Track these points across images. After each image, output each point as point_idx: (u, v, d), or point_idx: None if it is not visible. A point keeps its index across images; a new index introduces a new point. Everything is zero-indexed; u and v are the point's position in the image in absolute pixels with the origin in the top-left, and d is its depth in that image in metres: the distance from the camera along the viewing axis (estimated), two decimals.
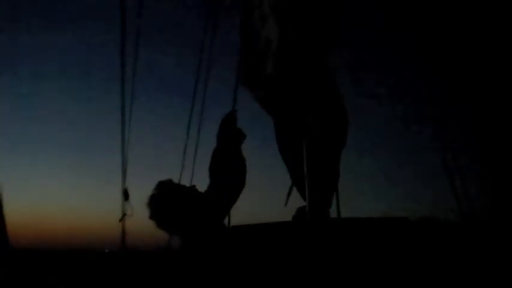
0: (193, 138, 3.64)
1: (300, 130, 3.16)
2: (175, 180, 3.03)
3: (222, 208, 2.99)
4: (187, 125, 3.62)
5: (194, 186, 3.01)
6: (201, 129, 3.47)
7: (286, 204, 3.25)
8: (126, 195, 3.22)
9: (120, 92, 3.30)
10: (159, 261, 3.07)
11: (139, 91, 3.37)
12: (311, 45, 3.09)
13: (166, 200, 2.86)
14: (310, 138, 3.13)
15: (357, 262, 2.85)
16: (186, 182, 3.35)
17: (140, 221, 3.28)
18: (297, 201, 3.31)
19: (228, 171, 2.99)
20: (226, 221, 3.14)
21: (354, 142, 3.24)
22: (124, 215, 3.20)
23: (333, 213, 3.14)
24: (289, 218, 3.26)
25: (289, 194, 3.26)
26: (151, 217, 2.86)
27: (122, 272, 3.56)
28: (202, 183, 3.15)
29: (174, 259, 3.03)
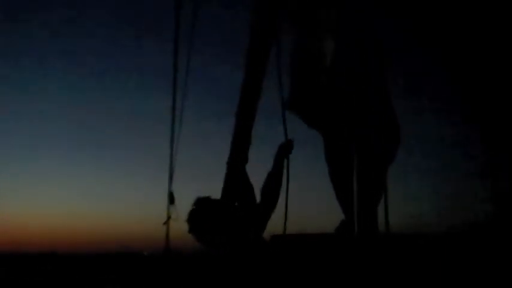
0: None
1: (351, 144, 3.20)
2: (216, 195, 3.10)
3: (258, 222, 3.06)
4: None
5: (234, 202, 3.07)
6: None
7: None
8: (171, 198, 3.23)
9: (172, 93, 3.32)
10: (201, 266, 3.08)
11: (189, 91, 3.38)
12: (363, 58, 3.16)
13: (204, 216, 2.91)
14: (360, 152, 3.17)
15: (403, 276, 2.87)
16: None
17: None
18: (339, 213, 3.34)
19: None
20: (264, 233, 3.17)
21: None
22: (169, 218, 3.21)
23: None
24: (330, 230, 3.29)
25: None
26: (191, 231, 2.91)
27: (165, 275, 3.57)
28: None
29: (214, 265, 3.04)
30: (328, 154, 3.33)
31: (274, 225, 3.23)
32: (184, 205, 3.16)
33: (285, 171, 3.18)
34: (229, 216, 2.98)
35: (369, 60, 3.16)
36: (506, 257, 2.94)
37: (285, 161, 3.21)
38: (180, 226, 3.20)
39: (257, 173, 3.24)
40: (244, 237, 2.95)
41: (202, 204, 2.98)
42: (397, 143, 3.19)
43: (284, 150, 3.20)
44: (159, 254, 3.29)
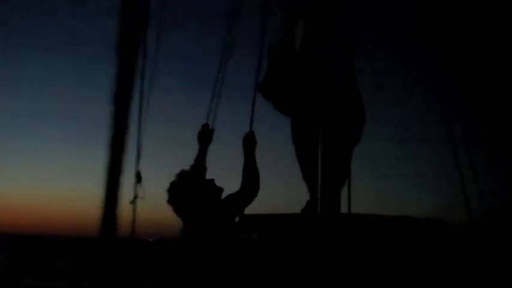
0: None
1: (316, 126, 3.21)
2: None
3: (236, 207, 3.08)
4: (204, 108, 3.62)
5: (213, 179, 3.09)
6: (217, 117, 3.48)
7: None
8: (138, 177, 3.24)
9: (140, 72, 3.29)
10: (170, 249, 3.12)
11: (158, 72, 3.37)
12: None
13: (186, 188, 2.94)
14: (325, 133, 3.18)
15: (362, 257, 2.91)
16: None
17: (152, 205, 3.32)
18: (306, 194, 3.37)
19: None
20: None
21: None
22: (135, 197, 3.22)
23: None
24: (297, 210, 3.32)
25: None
26: (170, 202, 2.93)
27: (131, 258, 3.59)
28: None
29: (185, 246, 3.07)
30: (294, 136, 3.36)
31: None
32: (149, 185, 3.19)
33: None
34: (209, 192, 3.01)
35: (335, 46, 3.17)
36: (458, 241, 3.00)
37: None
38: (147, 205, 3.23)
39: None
40: (218, 216, 2.98)
41: (185, 177, 3.02)
42: (361, 124, 3.21)
43: (248, 145, 3.20)
44: (165, 240, 3.30)
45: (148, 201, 3.13)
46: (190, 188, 2.96)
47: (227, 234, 2.96)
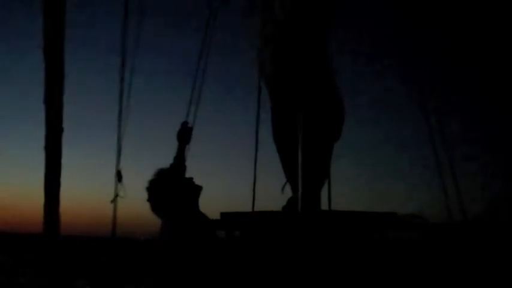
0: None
1: (296, 121, 3.22)
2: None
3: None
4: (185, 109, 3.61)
5: (191, 178, 3.09)
6: (199, 116, 3.48)
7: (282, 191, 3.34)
8: (119, 176, 3.24)
9: (120, 69, 3.28)
10: (151, 247, 3.11)
11: (138, 71, 3.35)
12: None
13: (165, 186, 2.94)
14: (305, 129, 3.19)
15: (344, 254, 2.92)
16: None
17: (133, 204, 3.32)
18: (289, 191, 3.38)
19: None
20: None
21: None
22: (116, 196, 3.21)
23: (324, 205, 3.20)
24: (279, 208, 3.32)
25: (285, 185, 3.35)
26: (149, 200, 2.94)
27: (114, 256, 3.59)
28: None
29: (165, 245, 3.06)
30: (275, 133, 3.36)
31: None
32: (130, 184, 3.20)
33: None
34: (187, 191, 3.01)
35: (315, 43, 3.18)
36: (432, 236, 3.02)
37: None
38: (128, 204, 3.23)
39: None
40: (193, 213, 2.98)
41: (164, 175, 3.02)
42: (341, 122, 3.22)
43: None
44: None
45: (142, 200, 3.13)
46: (169, 187, 2.96)
47: (207, 233, 2.96)
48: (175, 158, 3.18)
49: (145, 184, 3.01)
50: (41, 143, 2.12)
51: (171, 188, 2.96)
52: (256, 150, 3.51)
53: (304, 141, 3.14)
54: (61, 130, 2.03)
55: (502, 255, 2.94)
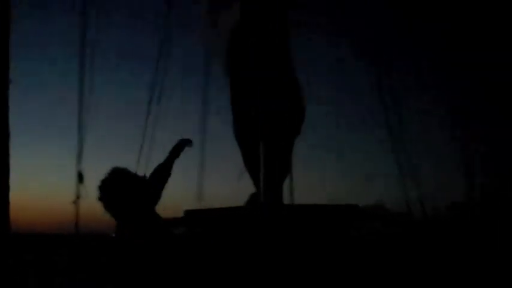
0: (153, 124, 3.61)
1: (257, 117, 3.23)
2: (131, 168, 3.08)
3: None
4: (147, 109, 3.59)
5: (145, 176, 3.05)
6: (161, 116, 3.47)
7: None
8: (80, 177, 3.21)
9: (79, 69, 3.25)
10: (111, 245, 3.07)
11: (100, 67, 3.33)
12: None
13: (117, 186, 2.90)
14: (265, 125, 3.20)
15: (307, 247, 2.94)
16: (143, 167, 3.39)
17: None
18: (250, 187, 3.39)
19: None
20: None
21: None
22: (78, 197, 3.19)
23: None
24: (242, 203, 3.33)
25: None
26: (100, 199, 2.89)
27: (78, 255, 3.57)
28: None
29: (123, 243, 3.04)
30: (236, 128, 3.37)
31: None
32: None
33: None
34: (141, 190, 2.96)
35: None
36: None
37: None
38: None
39: None
40: (146, 211, 2.97)
41: (116, 174, 2.96)
42: (302, 117, 3.25)
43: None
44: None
45: None
46: (123, 186, 2.92)
47: (163, 231, 2.94)
48: (163, 165, 3.17)
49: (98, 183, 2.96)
50: None
51: (125, 188, 2.92)
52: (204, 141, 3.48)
53: (264, 136, 3.15)
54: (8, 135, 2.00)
55: (460, 242, 3.01)
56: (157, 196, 3.07)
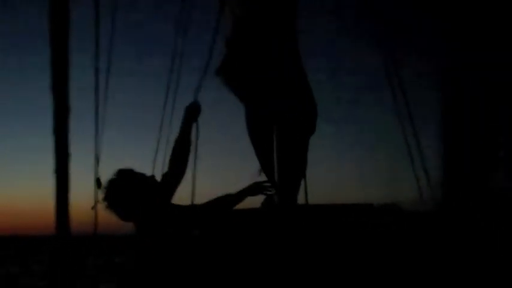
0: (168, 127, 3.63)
1: (271, 117, 3.25)
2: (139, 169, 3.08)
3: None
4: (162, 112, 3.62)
5: (153, 176, 3.06)
6: (175, 117, 3.48)
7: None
8: (98, 183, 3.25)
9: (94, 71, 3.26)
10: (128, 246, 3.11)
11: (115, 70, 3.33)
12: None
13: (122, 187, 2.93)
14: (280, 125, 3.22)
15: (323, 247, 2.95)
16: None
17: None
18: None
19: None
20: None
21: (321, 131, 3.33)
22: (96, 202, 3.23)
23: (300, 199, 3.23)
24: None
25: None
26: (105, 199, 2.92)
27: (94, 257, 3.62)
28: None
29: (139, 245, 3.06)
30: (250, 129, 3.39)
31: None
32: None
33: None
34: (148, 191, 2.96)
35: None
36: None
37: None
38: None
39: None
40: (154, 210, 2.96)
41: (122, 175, 2.97)
42: (315, 116, 3.26)
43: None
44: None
45: None
46: (131, 187, 2.94)
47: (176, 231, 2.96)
48: (181, 133, 3.09)
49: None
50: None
51: (128, 189, 2.92)
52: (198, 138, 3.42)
53: (278, 137, 3.17)
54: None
55: (476, 240, 2.98)
56: (179, 176, 3.03)
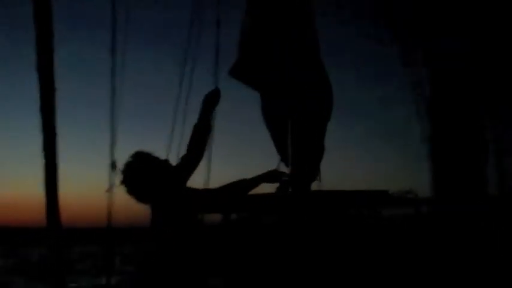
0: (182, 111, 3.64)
1: (286, 105, 3.24)
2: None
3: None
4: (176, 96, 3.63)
5: (167, 160, 3.06)
6: (190, 101, 3.49)
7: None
8: (113, 166, 3.25)
9: (111, 55, 3.26)
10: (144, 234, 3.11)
11: (130, 53, 3.34)
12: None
13: (139, 169, 2.94)
14: (296, 112, 3.22)
15: (338, 232, 2.95)
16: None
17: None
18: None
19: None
20: None
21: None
22: (111, 186, 3.24)
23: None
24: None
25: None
26: (123, 183, 2.93)
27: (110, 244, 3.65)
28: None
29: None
30: (266, 119, 3.38)
31: None
32: None
33: None
34: (165, 173, 2.97)
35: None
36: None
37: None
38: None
39: None
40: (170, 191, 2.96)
41: (139, 158, 2.98)
42: (330, 103, 3.25)
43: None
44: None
45: None
46: (142, 170, 2.96)
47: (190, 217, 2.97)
48: (201, 118, 3.09)
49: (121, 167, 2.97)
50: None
51: (145, 171, 2.94)
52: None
53: (294, 126, 3.17)
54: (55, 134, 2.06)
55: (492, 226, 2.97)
56: (196, 160, 3.02)
